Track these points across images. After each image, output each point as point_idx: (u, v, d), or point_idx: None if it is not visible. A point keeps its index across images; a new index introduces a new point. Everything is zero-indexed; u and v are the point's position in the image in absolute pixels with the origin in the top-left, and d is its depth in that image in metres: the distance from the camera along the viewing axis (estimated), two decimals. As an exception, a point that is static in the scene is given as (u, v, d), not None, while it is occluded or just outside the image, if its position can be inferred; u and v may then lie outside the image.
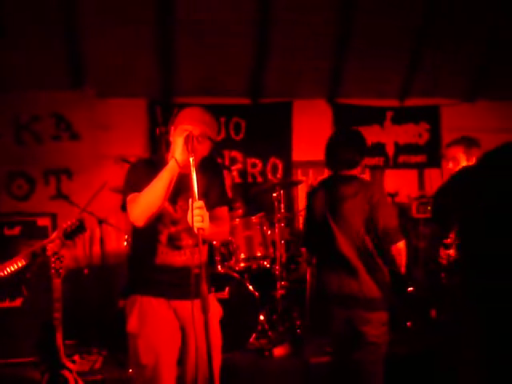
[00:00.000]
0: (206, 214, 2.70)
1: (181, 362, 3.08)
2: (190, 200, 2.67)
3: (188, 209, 2.72)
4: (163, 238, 3.04)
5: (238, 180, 7.21)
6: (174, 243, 3.05)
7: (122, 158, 6.04)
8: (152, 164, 3.13)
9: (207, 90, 7.03)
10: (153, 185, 2.86)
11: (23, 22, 6.24)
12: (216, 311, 3.18)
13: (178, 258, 3.05)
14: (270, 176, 7.36)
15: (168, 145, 3.12)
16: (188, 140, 2.80)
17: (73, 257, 6.31)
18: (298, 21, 6.71)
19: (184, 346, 3.08)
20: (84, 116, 6.85)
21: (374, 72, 7.35)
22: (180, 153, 2.82)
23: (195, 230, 2.62)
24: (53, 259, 4.18)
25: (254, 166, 7.35)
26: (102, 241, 6.07)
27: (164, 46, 6.68)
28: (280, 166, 7.38)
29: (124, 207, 3.05)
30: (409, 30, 7.02)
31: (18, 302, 5.18)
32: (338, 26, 6.87)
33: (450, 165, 4.74)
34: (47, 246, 3.42)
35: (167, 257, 3.04)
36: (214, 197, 3.13)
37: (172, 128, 3.08)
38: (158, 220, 2.98)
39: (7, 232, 5.68)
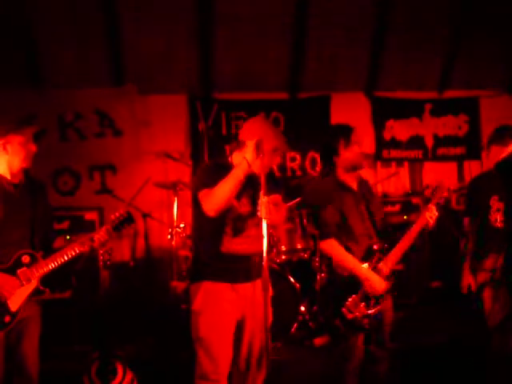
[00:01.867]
0: (273, 208, 3.10)
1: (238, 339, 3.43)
2: (260, 194, 3.06)
3: (251, 206, 3.36)
4: (228, 229, 3.38)
5: (277, 174, 7.25)
6: (238, 234, 3.40)
7: (166, 154, 6.19)
8: (220, 167, 3.43)
9: (246, 85, 7.11)
10: (225, 181, 3.20)
11: (64, 21, 6.44)
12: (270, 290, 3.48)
13: (240, 247, 3.40)
14: (309, 170, 7.42)
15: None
16: (259, 145, 3.20)
17: (118, 250, 6.46)
18: (336, 13, 6.75)
19: (242, 323, 3.43)
20: (126, 112, 7.01)
21: (413, 64, 7.34)
22: (250, 155, 3.22)
23: (263, 221, 3.01)
24: (101, 251, 4.33)
25: (293, 160, 7.41)
26: (146, 234, 6.22)
27: (203, 41, 6.80)
28: (319, 160, 7.41)
29: (196, 201, 3.35)
30: (447, 21, 7.00)
31: (67, 294, 5.33)
32: (375, 19, 6.90)
33: None
34: (94, 237, 3.48)
35: (231, 245, 3.38)
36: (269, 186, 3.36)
37: (244, 135, 3.41)
38: (224, 214, 3.31)
39: (56, 226, 5.82)
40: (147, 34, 6.66)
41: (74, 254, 3.45)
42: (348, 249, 3.73)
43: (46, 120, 6.75)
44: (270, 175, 3.48)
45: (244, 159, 3.22)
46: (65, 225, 6.03)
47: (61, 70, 6.75)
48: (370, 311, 3.65)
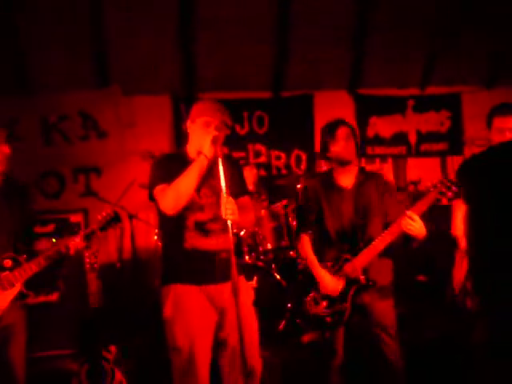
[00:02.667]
0: (235, 208, 3.00)
1: (219, 344, 3.24)
2: (222, 193, 2.96)
3: (211, 195, 3.19)
4: (190, 223, 3.21)
5: (262, 173, 7.29)
6: (200, 228, 3.21)
7: (151, 155, 6.19)
8: (175, 158, 3.40)
9: (229, 84, 7.13)
10: (183, 177, 3.07)
11: (48, 22, 6.40)
12: (248, 293, 3.35)
13: (205, 242, 3.21)
14: (294, 168, 7.46)
15: (185, 137, 3.40)
16: (216, 140, 3.08)
17: (105, 251, 6.45)
18: (319, 12, 6.77)
19: (218, 329, 3.23)
20: (110, 114, 7.01)
21: (395, 61, 7.38)
22: (208, 150, 3.08)
23: (228, 221, 2.93)
24: (87, 254, 4.32)
25: (278, 158, 7.45)
26: (132, 236, 6.21)
27: (186, 42, 6.81)
28: (304, 158, 7.47)
29: (151, 197, 3.27)
30: (428, 18, 7.04)
31: (54, 297, 5.33)
32: (357, 17, 6.93)
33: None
34: (69, 244, 3.44)
35: (194, 241, 3.20)
36: (235, 187, 3.27)
37: (189, 122, 3.34)
38: (184, 207, 3.15)
39: (41, 229, 5.82)
40: (132, 35, 6.65)
41: (57, 256, 3.43)
42: (321, 247, 3.78)
43: (30, 122, 6.76)
44: (225, 156, 3.27)
45: (202, 154, 3.09)
46: (50, 227, 6.02)
47: (45, 71, 6.73)
48: (329, 309, 3.68)
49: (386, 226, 3.59)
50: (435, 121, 7.81)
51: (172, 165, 3.22)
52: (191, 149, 3.31)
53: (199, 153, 3.13)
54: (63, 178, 6.92)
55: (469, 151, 7.52)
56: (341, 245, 3.73)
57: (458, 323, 5.14)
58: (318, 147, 7.40)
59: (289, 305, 5.48)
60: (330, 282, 3.65)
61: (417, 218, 3.36)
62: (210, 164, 3.11)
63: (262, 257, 5.56)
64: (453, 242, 4.53)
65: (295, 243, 4.10)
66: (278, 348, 5.10)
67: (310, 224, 3.88)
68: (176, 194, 3.07)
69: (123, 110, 7.00)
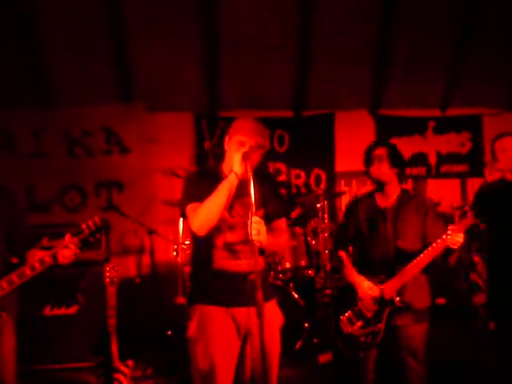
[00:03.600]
0: (263, 228, 2.87)
1: (239, 367, 3.17)
2: (249, 213, 2.82)
3: (244, 215, 3.01)
4: (219, 243, 3.13)
5: (282, 191, 7.30)
6: (230, 248, 3.13)
7: (172, 172, 6.26)
8: (208, 175, 3.30)
9: (251, 103, 7.17)
10: (213, 197, 3.00)
11: (72, 36, 6.50)
12: (275, 318, 3.26)
13: (234, 263, 3.13)
14: (313, 187, 7.47)
15: (221, 155, 3.30)
16: (246, 156, 2.95)
17: (124, 266, 6.51)
18: (339, 33, 6.83)
19: (242, 352, 3.16)
20: (133, 130, 7.07)
21: (416, 82, 7.38)
22: (238, 167, 2.97)
23: (252, 241, 2.82)
24: (107, 268, 4.37)
25: (297, 177, 7.48)
26: (151, 251, 6.26)
27: (209, 59, 6.89)
28: (323, 177, 7.49)
29: (184, 215, 3.18)
30: (450, 39, 7.07)
31: (73, 310, 5.37)
32: (379, 38, 6.97)
33: None
34: (58, 253, 3.24)
35: (224, 262, 3.12)
36: (272, 209, 3.23)
37: (227, 138, 3.22)
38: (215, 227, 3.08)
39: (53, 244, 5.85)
40: (155, 52, 6.75)
41: (29, 275, 3.21)
42: (359, 268, 3.82)
43: (54, 136, 6.85)
44: (264, 172, 3.26)
45: (232, 172, 3.00)
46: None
47: (69, 87, 6.82)
48: (363, 330, 3.69)
49: (425, 247, 3.60)
50: (456, 142, 7.78)
51: (204, 182, 3.14)
52: (226, 166, 3.21)
53: (230, 170, 3.03)
54: (85, 192, 6.97)
55: (489, 173, 7.50)
56: (379, 265, 3.75)
57: (481, 347, 5.12)
58: (338, 166, 7.51)
59: (306, 324, 5.48)
60: (368, 284, 3.69)
61: (461, 234, 3.43)
62: (242, 182, 2.97)
63: (280, 275, 5.57)
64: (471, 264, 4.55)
65: (333, 260, 4.14)
66: (295, 367, 5.11)
67: (348, 242, 3.94)
68: (206, 215, 3.00)
69: (146, 127, 7.06)
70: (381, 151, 3.83)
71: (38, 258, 3.26)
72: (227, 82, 7.11)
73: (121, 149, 7.04)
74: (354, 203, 4.03)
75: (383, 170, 3.79)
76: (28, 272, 3.23)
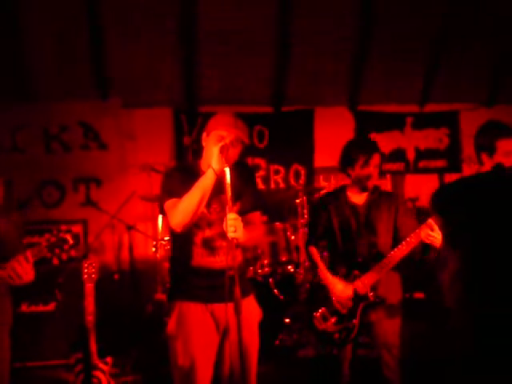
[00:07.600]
0: (240, 225, 2.82)
1: (218, 363, 3.14)
2: (226, 209, 2.79)
3: (221, 211, 2.97)
4: (198, 239, 3.10)
5: (261, 186, 7.30)
6: (208, 245, 3.10)
7: (152, 167, 6.23)
8: (186, 170, 3.23)
9: (230, 98, 7.17)
10: (191, 193, 2.94)
11: (49, 33, 6.48)
12: (253, 314, 3.24)
13: (212, 260, 3.10)
14: (292, 182, 7.48)
15: (199, 150, 3.25)
16: (224, 150, 2.88)
17: (103, 262, 6.47)
18: (318, 29, 6.85)
19: (221, 347, 3.14)
20: (111, 126, 7.05)
21: (394, 78, 7.45)
22: (216, 162, 2.89)
23: (229, 238, 2.78)
24: (85, 265, 4.33)
25: (276, 172, 7.48)
26: (130, 247, 6.24)
27: (188, 55, 6.86)
28: (302, 173, 7.50)
29: (162, 211, 3.14)
30: (427, 36, 7.12)
31: (51, 306, 5.33)
32: (357, 34, 7.00)
33: None
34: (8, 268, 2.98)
35: (202, 259, 3.10)
36: (247, 202, 3.20)
37: (205, 134, 3.18)
38: (193, 223, 3.04)
39: (38, 240, 5.80)
40: (132, 47, 6.73)
41: None
42: (332, 263, 3.82)
43: (32, 132, 6.81)
44: (242, 165, 3.21)
45: (210, 168, 2.91)
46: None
47: (47, 82, 6.78)
48: (337, 326, 3.70)
49: (398, 242, 3.60)
50: (434, 138, 7.84)
51: (183, 177, 3.09)
52: (204, 162, 3.14)
53: (209, 166, 2.95)
54: (63, 188, 6.93)
55: (467, 169, 7.57)
56: (352, 261, 3.75)
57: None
58: (317, 162, 7.52)
59: (286, 320, 5.49)
60: (341, 286, 3.68)
61: (436, 227, 3.36)
62: (220, 178, 2.90)
63: (259, 271, 5.57)
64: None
65: (305, 256, 4.12)
66: (275, 363, 5.11)
67: (319, 238, 3.93)
68: (183, 211, 2.94)
69: (123, 122, 7.03)
70: (379, 159, 3.80)
71: None
72: (206, 77, 7.09)
73: (99, 144, 7.01)
74: (325, 199, 4.02)
75: (375, 176, 3.78)
76: None
